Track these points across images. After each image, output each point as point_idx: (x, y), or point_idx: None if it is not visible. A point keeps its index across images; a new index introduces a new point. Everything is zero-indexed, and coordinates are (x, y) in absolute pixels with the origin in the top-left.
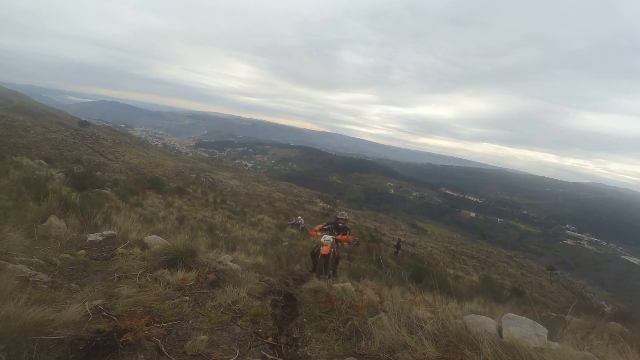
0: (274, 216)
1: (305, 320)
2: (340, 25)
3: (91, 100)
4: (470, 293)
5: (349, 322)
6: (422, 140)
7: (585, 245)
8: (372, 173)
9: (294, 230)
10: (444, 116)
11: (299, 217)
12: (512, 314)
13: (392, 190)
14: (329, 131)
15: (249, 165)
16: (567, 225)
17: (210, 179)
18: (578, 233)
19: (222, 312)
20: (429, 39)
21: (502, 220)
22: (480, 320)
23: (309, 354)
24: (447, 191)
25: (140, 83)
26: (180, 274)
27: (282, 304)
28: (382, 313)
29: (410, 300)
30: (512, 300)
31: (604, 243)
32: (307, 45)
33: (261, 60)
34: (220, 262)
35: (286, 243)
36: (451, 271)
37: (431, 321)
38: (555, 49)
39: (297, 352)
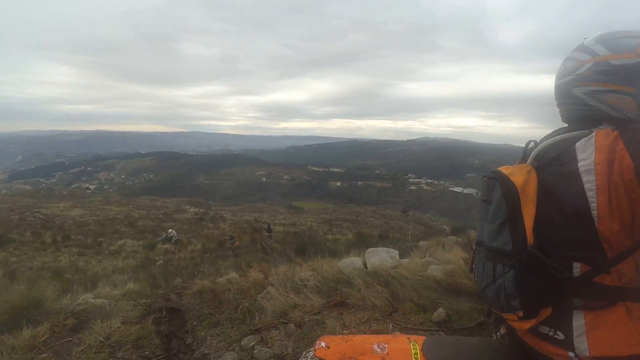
0: (138, 237)
1: (195, 323)
2: (176, 14)
3: None
4: (348, 249)
5: (240, 307)
6: (283, 124)
7: (424, 187)
8: (241, 166)
9: (167, 246)
10: (297, 99)
11: (170, 230)
12: (372, 248)
13: (264, 179)
14: (184, 130)
15: (92, 187)
16: (409, 175)
17: (41, 216)
18: (417, 179)
19: (95, 352)
20: (270, 26)
21: (362, 182)
22: (349, 262)
23: (206, 352)
24: (313, 168)
25: None
26: (27, 333)
27: (167, 319)
28: (270, 287)
29: (293, 269)
30: (380, 244)
31: (437, 182)
32: (139, 38)
33: (82, 59)
34: (79, 304)
35: (160, 261)
36: (330, 237)
37: (313, 278)
38: (378, 31)
39: (194, 356)
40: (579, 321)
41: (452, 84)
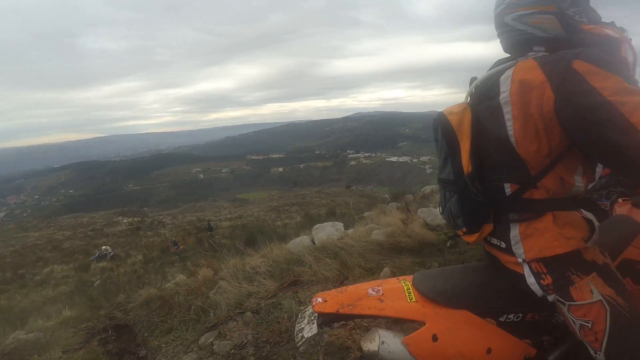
0: (67, 261)
1: (146, 334)
2: (70, 6)
3: None
4: (297, 231)
5: (192, 307)
6: (214, 116)
7: (363, 161)
8: (174, 165)
9: (103, 264)
10: (225, 87)
11: (104, 247)
12: (318, 224)
13: (202, 175)
14: (102, 135)
15: (1, 215)
16: (348, 151)
17: None
18: (356, 154)
19: None
20: (182, 11)
21: (303, 165)
22: (298, 241)
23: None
24: (252, 157)
25: None
26: None
27: (114, 337)
28: (221, 281)
29: (243, 260)
30: (328, 221)
31: (374, 154)
32: (32, 38)
33: None
34: (9, 343)
35: (98, 281)
36: (279, 222)
37: (264, 264)
38: (299, 10)
39: None
40: (514, 231)
41: (377, 58)
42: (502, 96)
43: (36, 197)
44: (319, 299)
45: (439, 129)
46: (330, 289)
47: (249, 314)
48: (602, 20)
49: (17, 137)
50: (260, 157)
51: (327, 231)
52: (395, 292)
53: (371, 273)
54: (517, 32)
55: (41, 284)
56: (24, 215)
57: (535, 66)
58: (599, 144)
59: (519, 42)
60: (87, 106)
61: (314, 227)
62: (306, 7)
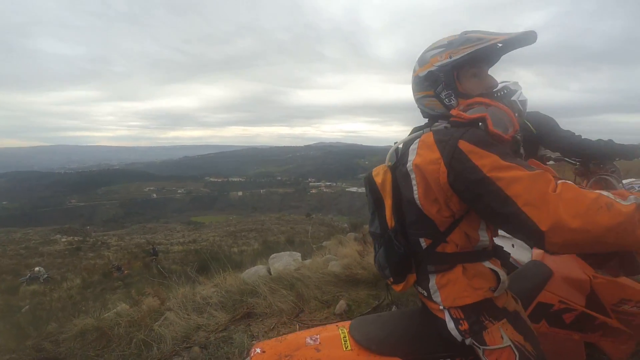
0: None
1: None
2: (27, 5)
3: None
4: (254, 259)
5: (134, 340)
6: (173, 134)
7: (324, 190)
8: (125, 182)
9: (34, 287)
10: (187, 106)
11: (37, 268)
12: (275, 253)
13: (155, 195)
14: (46, 144)
15: None
16: (309, 179)
17: None
18: (317, 182)
19: None
20: (148, 26)
21: (264, 190)
22: (253, 271)
23: None
24: (211, 179)
25: None
26: None
27: None
28: (168, 312)
29: (194, 289)
30: (287, 250)
31: (334, 184)
32: None
33: None
34: None
35: (27, 307)
36: (235, 249)
37: (216, 294)
38: (267, 39)
39: None
40: (432, 281)
41: (340, 91)
42: (408, 164)
43: None
44: (258, 350)
45: (367, 187)
46: (269, 339)
47: (196, 348)
48: (494, 83)
49: None
50: (220, 180)
51: (285, 261)
52: (332, 341)
53: (327, 306)
54: (423, 112)
55: None
56: None
57: (432, 143)
58: (486, 211)
59: (427, 116)
60: (32, 111)
61: (271, 257)
62: (274, 37)
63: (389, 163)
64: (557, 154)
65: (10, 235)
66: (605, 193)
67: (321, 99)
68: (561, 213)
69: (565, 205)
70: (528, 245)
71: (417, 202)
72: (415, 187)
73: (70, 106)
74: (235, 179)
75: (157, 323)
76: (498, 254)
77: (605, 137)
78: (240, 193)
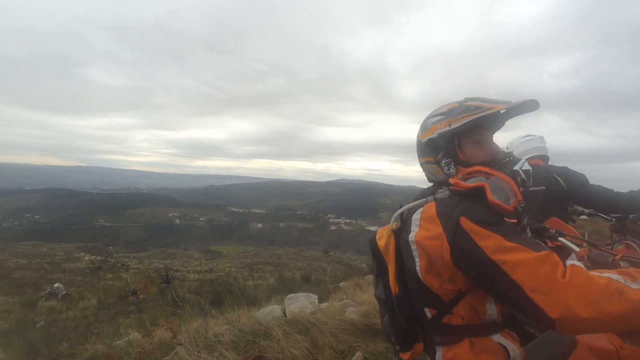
0: (13, 293)
1: None
2: (81, 37)
3: None
4: (269, 295)
5: None
6: (200, 163)
7: (343, 227)
8: (151, 206)
9: (52, 303)
10: (217, 137)
11: (56, 284)
12: (292, 294)
13: (178, 220)
14: (83, 165)
15: None
16: (329, 215)
17: None
18: (337, 219)
19: None
20: (189, 62)
21: (284, 223)
22: (268, 311)
23: None
24: (233, 209)
25: None
26: None
27: None
28: (178, 346)
29: (207, 323)
30: (302, 288)
31: (354, 221)
32: (34, 59)
33: None
34: None
35: (42, 322)
36: (250, 282)
37: (228, 332)
38: (296, 78)
39: None
40: (439, 353)
41: (364, 130)
42: (410, 235)
43: None
44: None
45: (371, 251)
46: None
47: None
48: (497, 150)
49: None
50: (241, 210)
51: (301, 303)
52: None
53: (342, 356)
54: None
55: None
56: None
57: (434, 216)
58: (493, 292)
59: (432, 180)
60: (74, 134)
61: (287, 297)
62: (303, 77)
63: (394, 225)
64: (590, 210)
65: (37, 248)
66: (614, 276)
67: (345, 136)
68: (571, 302)
69: (574, 292)
70: None
71: (419, 274)
72: (417, 260)
73: (109, 131)
74: (257, 211)
75: (166, 358)
76: (510, 324)
77: (635, 186)
78: (260, 225)
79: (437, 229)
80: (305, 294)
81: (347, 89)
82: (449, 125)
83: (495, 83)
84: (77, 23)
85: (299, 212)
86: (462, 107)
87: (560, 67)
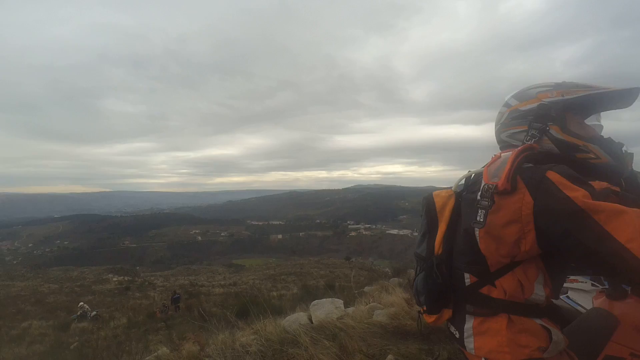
0: (47, 317)
1: None
2: (98, 71)
3: None
4: (294, 304)
5: None
6: (218, 180)
7: (363, 232)
8: (173, 225)
9: (84, 324)
10: (232, 154)
11: (84, 305)
12: (317, 300)
13: (200, 237)
14: (107, 190)
15: None
16: (348, 222)
17: None
18: (356, 225)
19: None
20: (200, 85)
21: (303, 233)
22: (294, 318)
23: None
24: (252, 222)
25: None
26: None
27: None
28: (206, 359)
29: (233, 335)
30: (326, 295)
31: (374, 226)
32: (57, 94)
33: None
34: None
35: (76, 344)
36: (275, 293)
37: (255, 342)
38: (304, 91)
39: None
40: (469, 324)
41: (377, 135)
42: (480, 193)
43: (30, 245)
44: None
45: (424, 207)
46: None
47: None
48: (595, 134)
49: (25, 183)
50: (260, 223)
51: (326, 309)
52: None
53: None
54: (512, 146)
55: (16, 339)
56: (14, 262)
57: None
58: (577, 250)
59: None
60: (97, 161)
61: (312, 304)
62: (311, 89)
63: (456, 188)
64: None
65: (67, 273)
66: None
67: (358, 143)
68: None
69: None
70: (626, 286)
71: (476, 233)
72: (482, 215)
73: (129, 156)
74: (276, 222)
75: None
76: (552, 314)
77: None
78: (280, 236)
79: (518, 182)
80: (330, 299)
81: (355, 97)
82: (562, 96)
83: (508, 76)
84: (94, 58)
85: (318, 221)
86: (572, 84)
87: (571, 54)
